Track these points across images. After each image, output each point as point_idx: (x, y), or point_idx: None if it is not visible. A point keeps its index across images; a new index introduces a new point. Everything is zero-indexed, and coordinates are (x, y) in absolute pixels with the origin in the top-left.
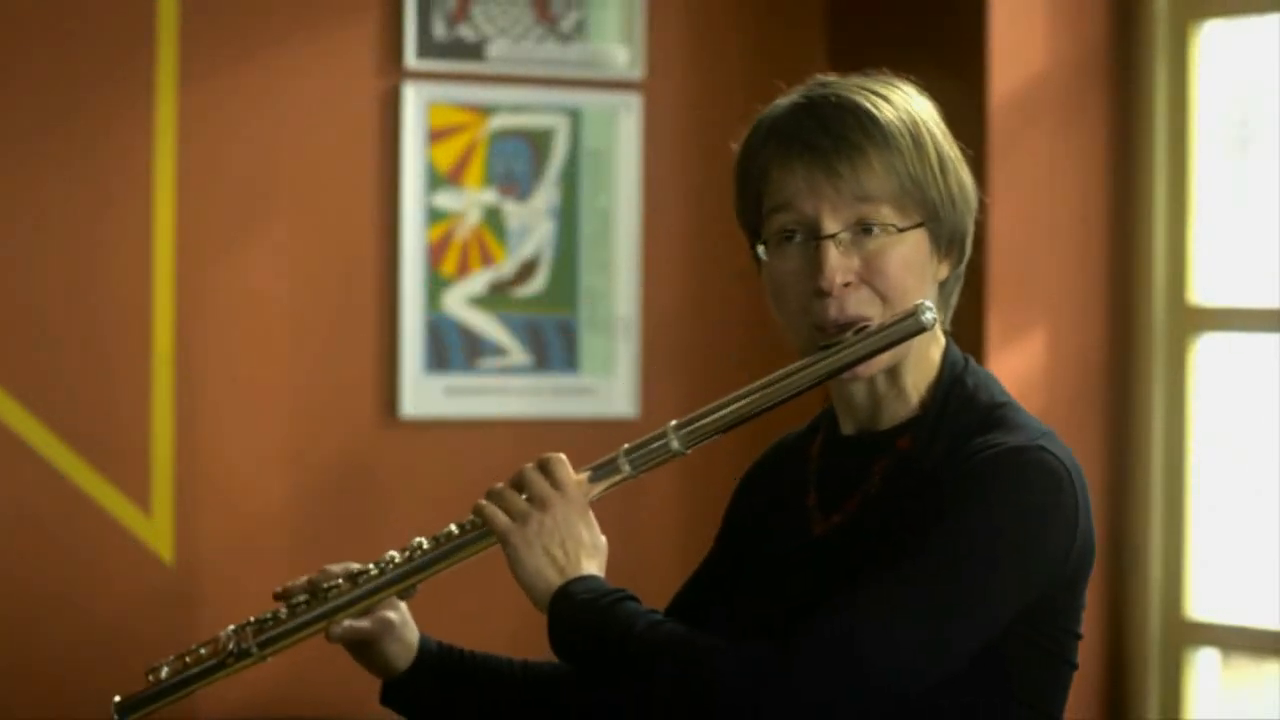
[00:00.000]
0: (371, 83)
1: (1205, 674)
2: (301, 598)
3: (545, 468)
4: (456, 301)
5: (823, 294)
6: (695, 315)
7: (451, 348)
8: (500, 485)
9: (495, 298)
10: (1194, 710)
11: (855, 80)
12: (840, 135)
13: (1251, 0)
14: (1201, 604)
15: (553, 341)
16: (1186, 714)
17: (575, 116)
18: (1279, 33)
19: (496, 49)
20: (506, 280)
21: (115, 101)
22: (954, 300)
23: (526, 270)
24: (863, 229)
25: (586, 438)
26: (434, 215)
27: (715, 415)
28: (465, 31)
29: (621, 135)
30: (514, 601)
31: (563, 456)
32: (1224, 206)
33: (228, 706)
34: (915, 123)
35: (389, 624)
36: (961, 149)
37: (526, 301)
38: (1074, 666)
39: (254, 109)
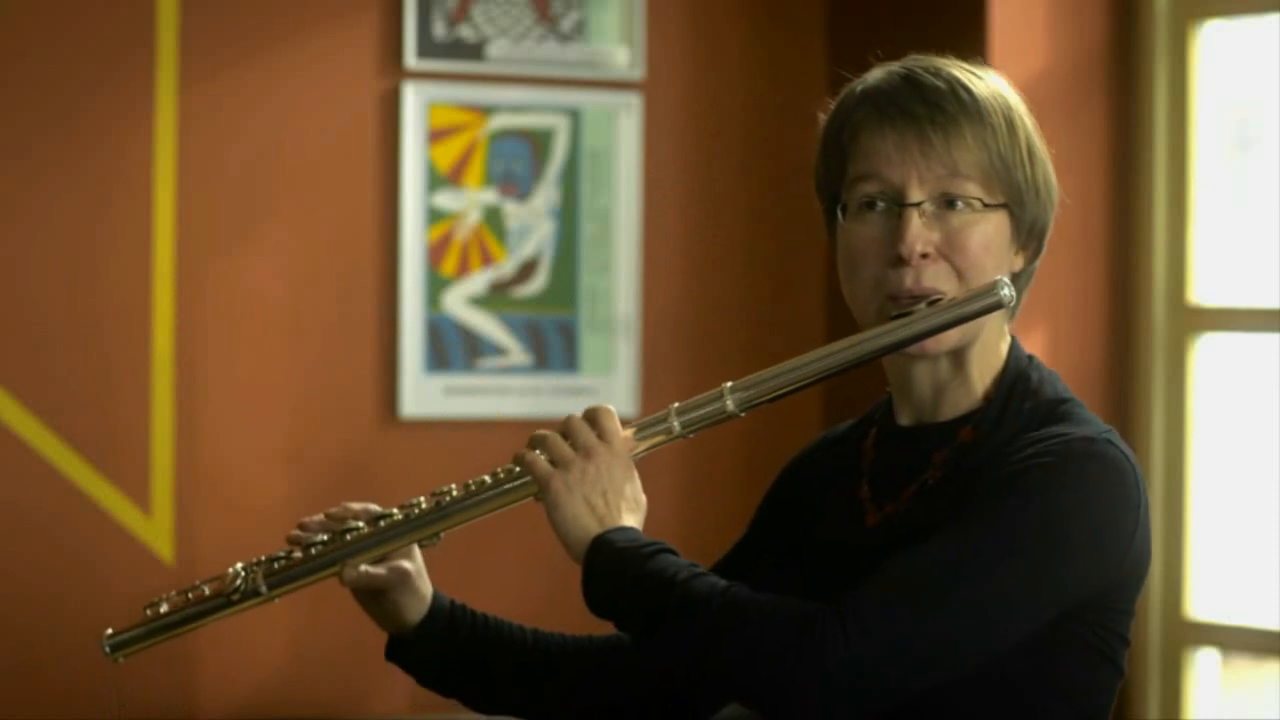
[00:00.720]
0: (371, 83)
1: (1205, 674)
2: (319, 538)
3: (592, 417)
4: (456, 301)
5: (900, 262)
6: (695, 315)
7: (451, 348)
8: (544, 431)
9: (495, 298)
10: (1194, 710)
11: (951, 61)
12: (936, 105)
13: (1251, 0)
14: (1201, 604)
15: (553, 341)
16: (1186, 714)
17: (575, 116)
18: (1279, 33)
19: (496, 49)
20: (506, 280)
21: (115, 102)
22: (1024, 297)
23: (526, 270)
24: (947, 202)
25: None
26: (434, 215)
27: (774, 378)
28: (465, 31)
29: (621, 135)
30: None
31: (610, 408)
32: (1224, 206)
33: (228, 706)
34: (1009, 105)
35: (404, 574)
36: (1051, 153)
37: (526, 301)
38: (1121, 673)
39: (254, 109)
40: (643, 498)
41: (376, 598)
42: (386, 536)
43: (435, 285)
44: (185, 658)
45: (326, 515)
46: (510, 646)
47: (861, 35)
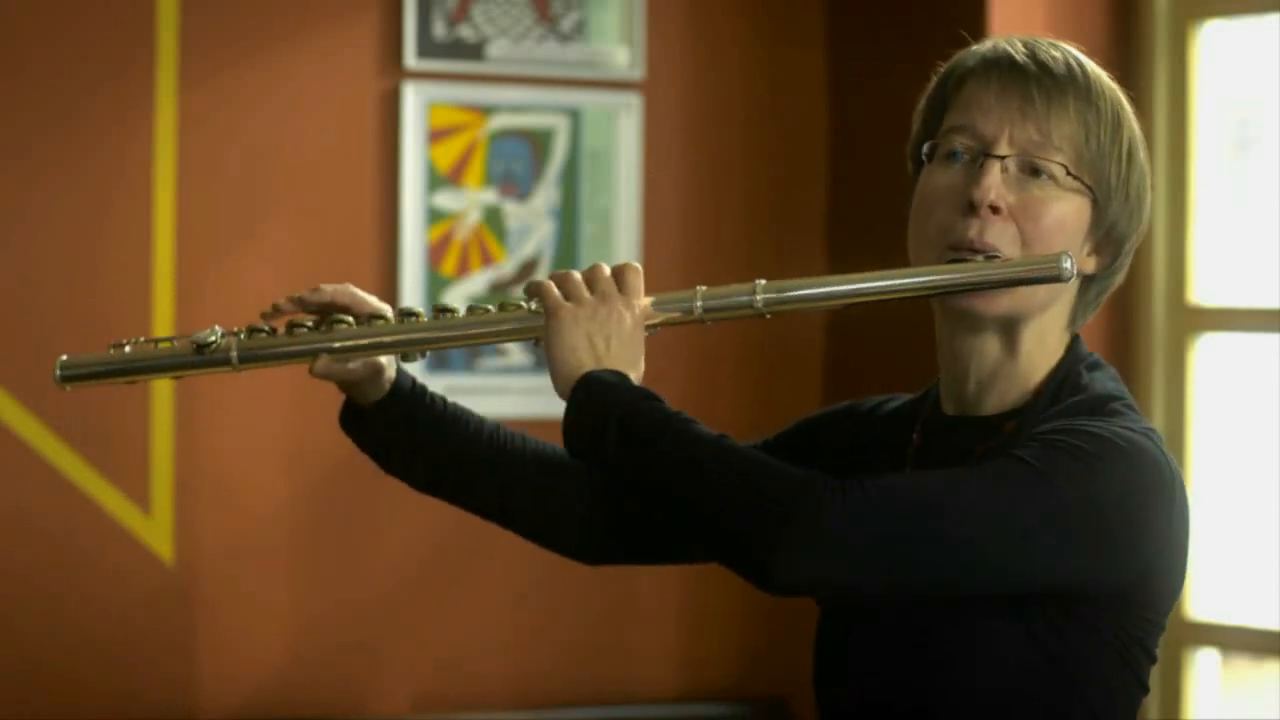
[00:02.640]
0: (371, 83)
1: (1205, 674)
2: (307, 322)
3: (619, 272)
4: (456, 301)
5: (971, 210)
6: None
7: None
8: (567, 271)
9: (495, 298)
10: (1194, 710)
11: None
12: (1047, 68)
13: (1251, 0)
14: (1201, 604)
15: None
16: (1186, 714)
17: (575, 116)
18: (1279, 33)
19: (496, 49)
20: (506, 280)
21: (115, 102)
22: (1091, 313)
23: (526, 270)
24: (1032, 170)
25: None
26: (434, 215)
27: (808, 287)
28: (465, 31)
29: (621, 135)
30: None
31: (639, 268)
32: (1224, 206)
33: (228, 706)
34: (1119, 103)
35: (376, 369)
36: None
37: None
38: (1145, 689)
39: (254, 109)
40: (642, 365)
41: (347, 384)
42: (373, 341)
43: (435, 285)
44: (185, 658)
45: (298, 298)
46: (462, 439)
47: (861, 37)
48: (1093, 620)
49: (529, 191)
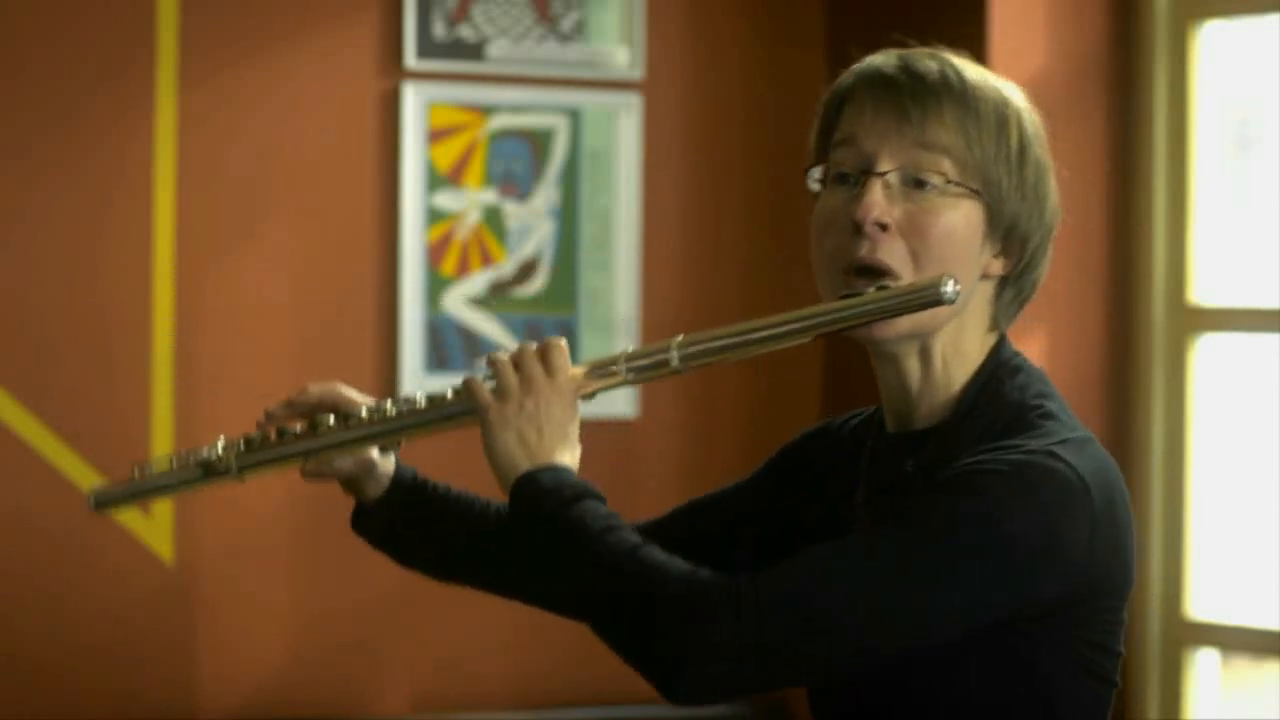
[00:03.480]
0: (371, 83)
1: (1205, 674)
2: (296, 427)
3: (543, 351)
4: (456, 301)
5: (859, 230)
6: (695, 315)
7: (451, 348)
8: (499, 355)
9: (495, 298)
10: (1194, 710)
11: (967, 56)
12: (921, 78)
13: (1251, 0)
14: (1201, 604)
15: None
16: (1186, 714)
17: (575, 116)
18: (1279, 33)
19: (496, 49)
20: (506, 280)
21: (115, 102)
22: (1014, 312)
23: (526, 270)
24: (916, 182)
25: (586, 438)
26: (434, 215)
27: (720, 340)
28: (465, 31)
29: (621, 135)
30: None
31: (563, 344)
32: (1224, 206)
33: (228, 706)
34: (1006, 102)
35: (369, 463)
36: (1058, 174)
37: (526, 301)
38: (1114, 685)
39: (254, 109)
40: (578, 442)
41: (345, 480)
42: (351, 437)
43: (435, 285)
44: (185, 658)
45: (288, 402)
46: (468, 519)
47: (861, 36)
48: (1051, 640)
49: (529, 191)
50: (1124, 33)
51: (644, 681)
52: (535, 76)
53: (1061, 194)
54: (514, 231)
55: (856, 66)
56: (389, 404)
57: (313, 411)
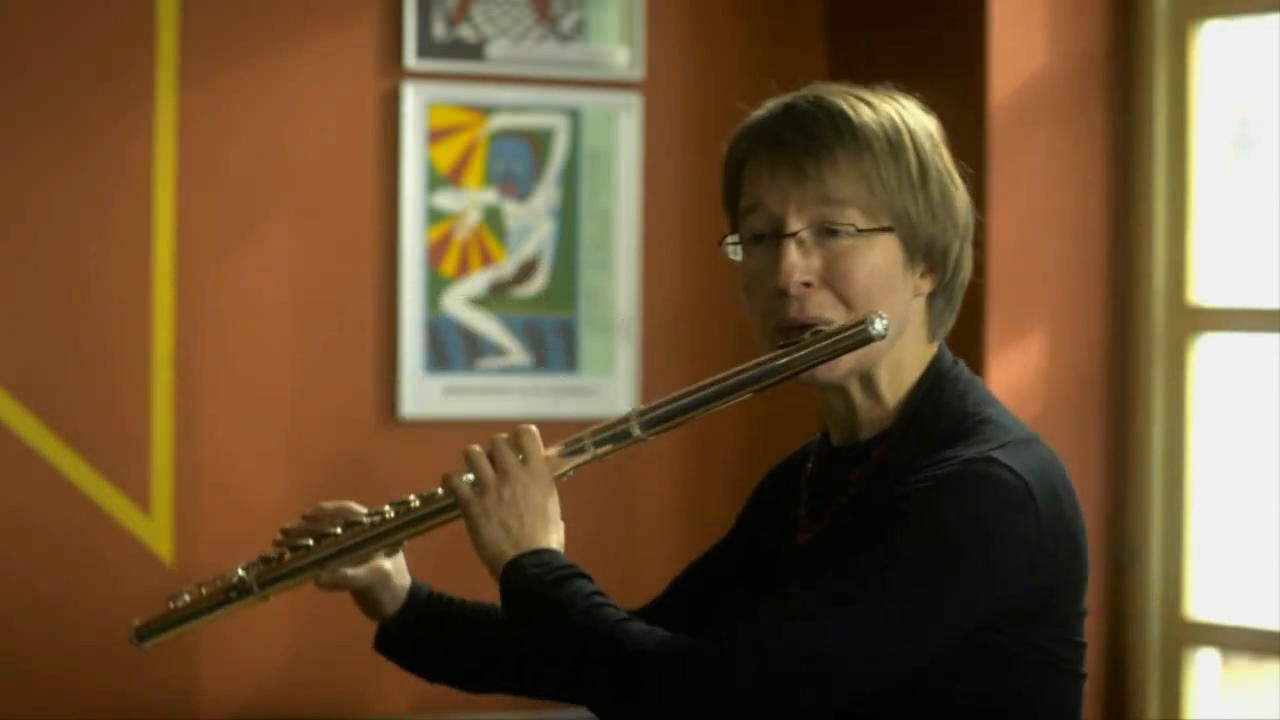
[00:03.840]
0: (371, 83)
1: (1205, 674)
2: (306, 542)
3: (515, 439)
4: (456, 302)
5: (783, 294)
6: (695, 315)
7: (451, 348)
8: (474, 449)
9: (495, 298)
10: (1194, 710)
11: (847, 88)
12: (811, 135)
13: (1251, 0)
14: (1201, 604)
15: (553, 341)
16: (1186, 714)
17: (575, 116)
18: (1279, 33)
19: (496, 49)
20: (506, 280)
21: (115, 102)
22: (948, 318)
23: (526, 270)
24: (828, 230)
25: None
26: (434, 215)
27: (673, 405)
28: (465, 31)
29: (621, 135)
30: None
31: (534, 430)
32: (1224, 207)
33: (228, 706)
34: (897, 129)
35: (382, 574)
36: (962, 169)
37: (526, 301)
38: (1081, 676)
39: (254, 109)
40: (560, 521)
41: (359, 596)
42: (355, 544)
43: (435, 285)
44: (185, 658)
45: (304, 518)
46: (486, 629)
47: (861, 35)
48: (1015, 645)
49: (529, 191)
50: (1124, 33)
51: None
52: (535, 76)
53: (967, 188)
54: (514, 231)
55: (747, 125)
56: (387, 508)
57: (326, 525)
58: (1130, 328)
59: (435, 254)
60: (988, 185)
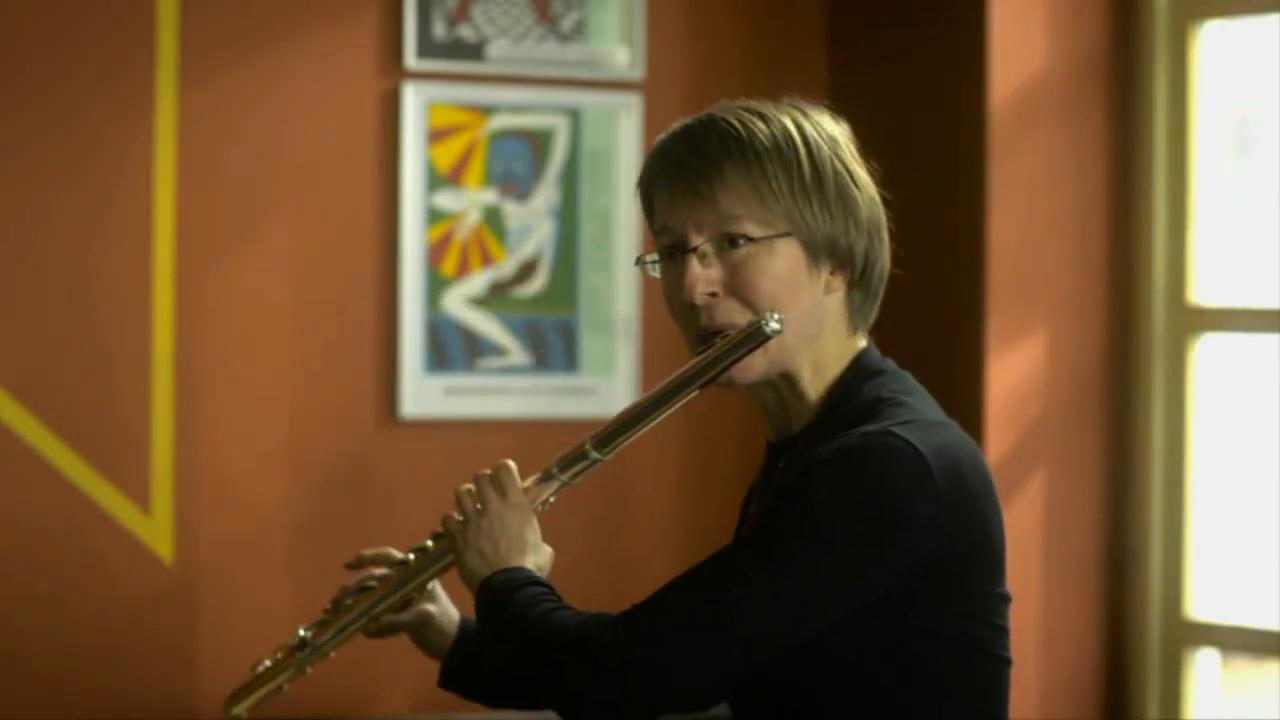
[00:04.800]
0: (371, 83)
1: (1205, 674)
2: (348, 601)
3: (493, 475)
4: (456, 302)
5: (692, 305)
6: None
7: (451, 348)
8: (462, 488)
9: (495, 298)
10: (1194, 710)
11: (744, 103)
12: (704, 154)
13: (1251, 0)
14: (1201, 604)
15: (553, 341)
16: (1186, 714)
17: (575, 116)
18: (1279, 33)
19: (496, 49)
20: (506, 280)
21: (115, 102)
22: (870, 311)
23: (526, 270)
24: (728, 241)
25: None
26: (434, 215)
27: (619, 423)
28: (465, 31)
29: (621, 135)
30: None
31: (510, 464)
32: (1224, 207)
33: None
34: (789, 137)
35: (425, 615)
36: (870, 169)
37: (526, 301)
38: (1004, 659)
39: (254, 109)
40: (545, 547)
41: (413, 635)
42: (387, 594)
43: (435, 285)
44: (185, 658)
45: (346, 566)
46: None
47: (861, 35)
48: (925, 622)
49: (529, 191)
50: (1124, 33)
51: None
52: (535, 76)
53: (876, 184)
54: (514, 231)
55: (652, 150)
56: (411, 556)
57: (368, 573)
58: (1130, 328)
59: (435, 254)
60: (988, 185)
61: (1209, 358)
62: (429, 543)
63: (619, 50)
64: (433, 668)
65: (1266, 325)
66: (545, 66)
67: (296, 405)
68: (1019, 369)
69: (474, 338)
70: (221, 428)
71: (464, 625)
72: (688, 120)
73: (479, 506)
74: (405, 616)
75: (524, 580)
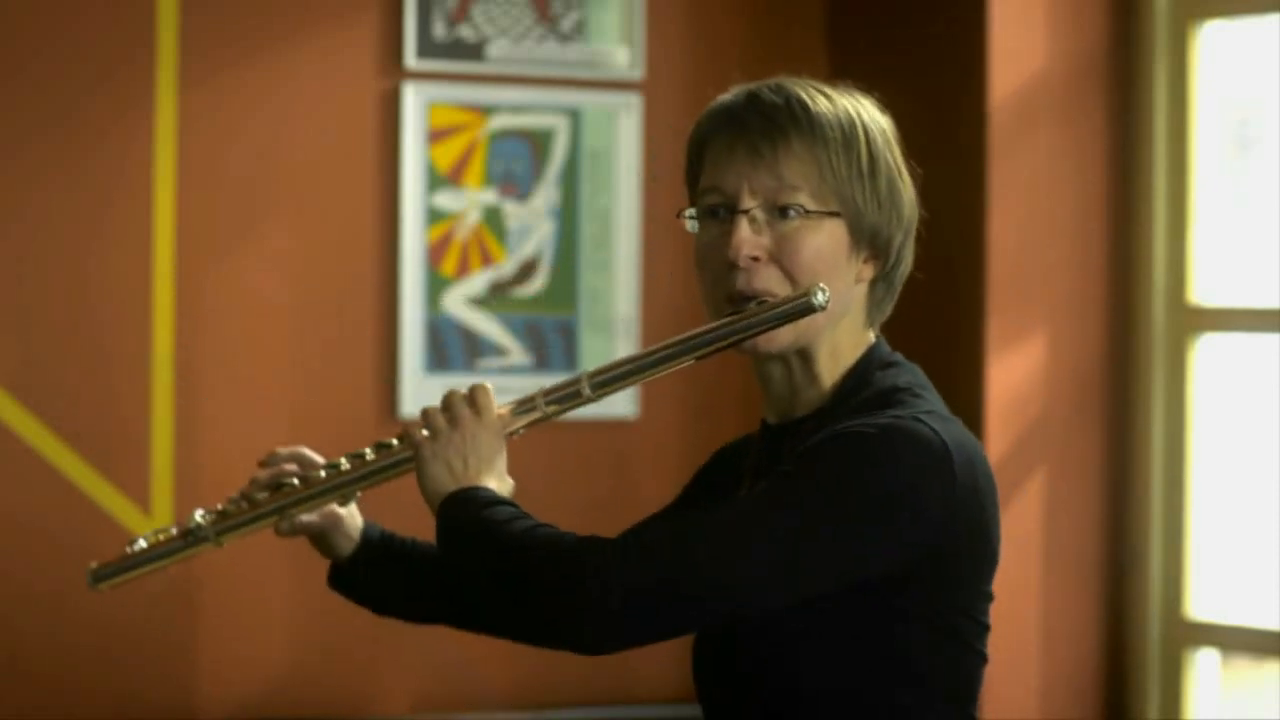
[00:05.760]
0: (371, 83)
1: (1205, 674)
2: (261, 494)
3: (470, 393)
4: (456, 302)
5: (733, 266)
6: (695, 315)
7: (451, 348)
8: (431, 406)
9: (495, 298)
10: (1194, 710)
11: (809, 81)
12: (769, 118)
13: (1251, 0)
14: (1201, 604)
15: (553, 341)
16: (1186, 714)
17: (575, 116)
18: (1279, 33)
19: (496, 49)
20: (506, 280)
21: (115, 102)
22: (887, 307)
23: (526, 270)
24: (779, 211)
25: (587, 438)
26: (434, 215)
27: (623, 367)
28: (465, 31)
29: (621, 135)
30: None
31: (488, 386)
32: (1224, 206)
33: (228, 706)
34: (852, 121)
35: (335, 518)
36: (912, 169)
37: (526, 301)
38: (981, 655)
39: (254, 109)
40: (509, 480)
41: (315, 540)
42: (311, 495)
43: (435, 285)
44: (185, 658)
45: (260, 464)
46: (433, 567)
47: (861, 35)
48: (913, 606)
49: (529, 191)
50: (1124, 33)
51: (643, 681)
52: (535, 76)
53: (916, 187)
54: (514, 231)
55: (710, 108)
56: (343, 460)
57: (284, 473)
58: (1130, 328)
59: (435, 254)
60: (988, 185)
61: (1209, 358)
62: (368, 452)
63: (619, 50)
64: (433, 668)
65: (1266, 325)
66: (545, 66)
67: (296, 405)
68: (1019, 369)
69: (474, 338)
70: (221, 428)
71: (368, 533)
72: (752, 85)
73: (450, 421)
74: (315, 518)
75: (497, 498)
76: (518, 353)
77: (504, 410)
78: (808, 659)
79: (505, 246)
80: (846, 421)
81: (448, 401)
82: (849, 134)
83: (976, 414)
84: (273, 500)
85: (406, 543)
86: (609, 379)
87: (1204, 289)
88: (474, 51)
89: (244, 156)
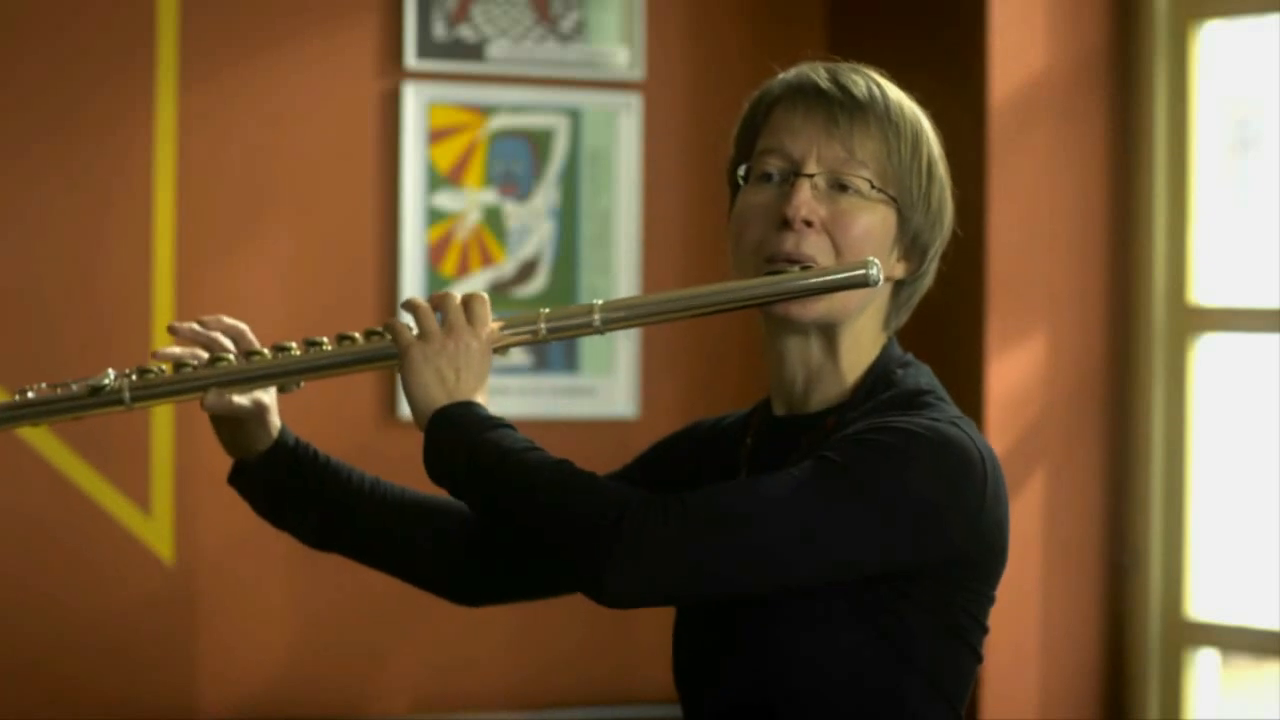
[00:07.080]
0: (371, 83)
1: (1205, 674)
2: (194, 362)
3: (467, 301)
4: None
5: (786, 225)
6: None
7: None
8: (418, 300)
9: (495, 298)
10: (1194, 710)
11: (884, 73)
12: (849, 92)
13: (1251, 0)
14: (1201, 604)
15: (553, 342)
16: (1186, 714)
17: (575, 116)
18: (1279, 33)
19: (496, 49)
20: (506, 280)
21: (115, 102)
22: (904, 315)
23: (526, 270)
24: (840, 185)
25: (586, 438)
26: (434, 215)
27: (641, 305)
28: (465, 32)
29: (621, 135)
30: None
31: (485, 297)
32: (1224, 206)
33: (228, 706)
34: (918, 122)
35: (262, 408)
36: (954, 191)
37: (526, 302)
38: (977, 655)
39: (254, 109)
40: (488, 382)
41: (229, 424)
42: (253, 374)
43: (435, 286)
44: (185, 658)
45: (199, 322)
46: (346, 489)
47: (861, 35)
48: (922, 598)
49: (529, 191)
50: (1124, 33)
51: (643, 681)
52: (535, 76)
53: (956, 212)
54: (514, 232)
55: (785, 76)
56: (294, 345)
57: (212, 343)
58: (1130, 328)
59: (435, 254)
60: (988, 185)
61: (1209, 358)
62: (324, 340)
63: (619, 50)
64: (433, 668)
65: (1266, 325)
66: (545, 66)
67: (296, 405)
68: (1019, 369)
69: None
70: None
71: (284, 435)
72: (829, 63)
73: (445, 326)
74: (245, 401)
75: (497, 420)
76: (518, 353)
77: (496, 325)
78: (811, 642)
79: (505, 247)
80: (874, 418)
81: (441, 303)
82: (917, 133)
83: (977, 414)
84: (204, 370)
85: (321, 457)
86: (624, 317)
87: (1204, 289)
88: (474, 52)
89: (244, 156)
